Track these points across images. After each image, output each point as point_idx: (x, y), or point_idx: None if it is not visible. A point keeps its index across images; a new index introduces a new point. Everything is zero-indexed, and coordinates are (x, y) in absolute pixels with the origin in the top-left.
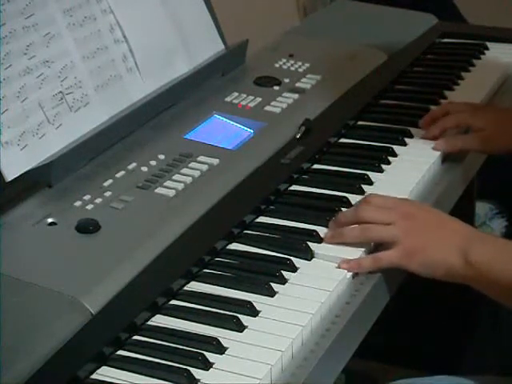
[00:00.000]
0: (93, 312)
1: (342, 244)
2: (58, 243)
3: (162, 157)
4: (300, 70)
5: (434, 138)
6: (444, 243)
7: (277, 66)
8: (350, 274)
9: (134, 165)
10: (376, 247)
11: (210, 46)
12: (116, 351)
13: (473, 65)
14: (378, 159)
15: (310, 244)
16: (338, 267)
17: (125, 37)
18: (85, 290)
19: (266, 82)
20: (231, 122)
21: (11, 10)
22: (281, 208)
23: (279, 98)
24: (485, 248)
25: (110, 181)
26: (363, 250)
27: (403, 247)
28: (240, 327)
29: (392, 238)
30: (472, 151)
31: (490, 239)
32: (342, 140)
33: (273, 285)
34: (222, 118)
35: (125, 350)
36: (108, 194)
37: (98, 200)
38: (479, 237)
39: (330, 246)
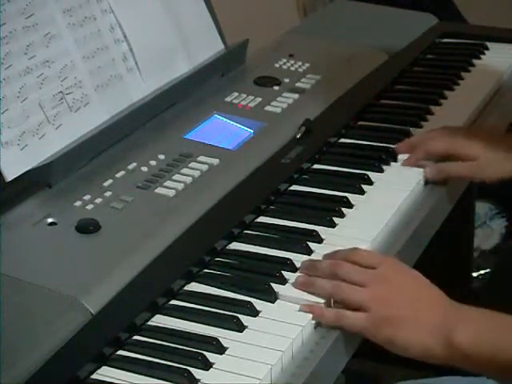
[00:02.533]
0: (93, 312)
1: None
2: (58, 243)
3: (162, 157)
4: (300, 70)
5: (415, 162)
6: (419, 323)
7: (277, 65)
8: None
9: (134, 165)
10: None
11: (210, 46)
12: (116, 351)
13: (473, 65)
14: (378, 159)
15: (310, 244)
16: (301, 310)
17: (125, 37)
18: (85, 289)
19: (266, 82)
20: (231, 122)
21: (11, 10)
22: (281, 208)
23: (279, 98)
24: (469, 327)
25: (110, 181)
26: None
27: (372, 316)
28: (240, 327)
29: (361, 303)
30: (462, 179)
31: (473, 315)
32: (342, 140)
33: (273, 285)
34: (222, 118)
35: (125, 350)
36: (108, 193)
37: (98, 200)
38: (461, 313)
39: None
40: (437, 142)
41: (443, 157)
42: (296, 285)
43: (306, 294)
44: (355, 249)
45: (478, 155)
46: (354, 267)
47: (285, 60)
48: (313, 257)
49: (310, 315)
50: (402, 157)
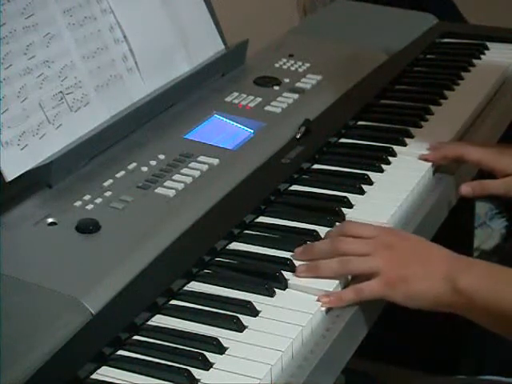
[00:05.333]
0: (93, 312)
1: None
2: (58, 243)
3: (162, 157)
4: (300, 70)
5: (440, 160)
6: (428, 272)
7: (277, 65)
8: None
9: (134, 165)
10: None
11: (210, 46)
12: (116, 351)
13: (473, 65)
14: (378, 159)
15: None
16: (318, 301)
17: (125, 37)
18: (85, 289)
19: (266, 82)
20: (231, 122)
21: (11, 10)
22: (281, 208)
23: (279, 98)
24: (473, 274)
25: (110, 181)
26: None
27: (385, 278)
28: (240, 327)
29: (372, 269)
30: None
31: (477, 264)
32: (342, 140)
33: (273, 285)
34: (222, 118)
35: (125, 349)
36: (108, 193)
37: (98, 200)
38: (466, 263)
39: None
40: (473, 150)
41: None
42: (298, 274)
43: (304, 292)
44: (347, 222)
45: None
46: (355, 240)
47: (285, 60)
48: None
49: (310, 316)
50: (401, 157)
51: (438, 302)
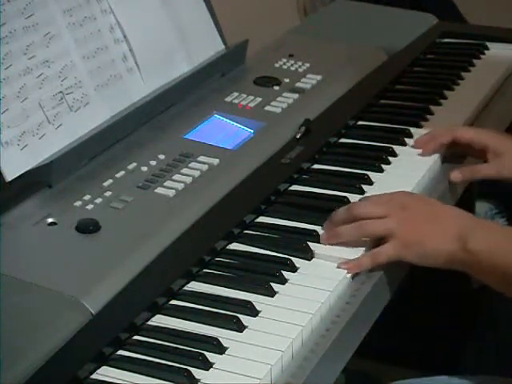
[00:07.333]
0: (93, 312)
1: (342, 244)
2: (58, 243)
3: (162, 157)
4: (300, 70)
5: (438, 148)
6: (441, 232)
7: (277, 65)
8: (350, 273)
9: (134, 165)
10: (376, 245)
11: (210, 46)
12: (116, 351)
13: (473, 65)
14: (378, 159)
15: (309, 244)
16: (338, 268)
17: (125, 37)
18: (85, 289)
19: (266, 82)
20: (231, 122)
21: (11, 10)
22: (281, 208)
23: (279, 98)
24: (484, 235)
25: (110, 181)
26: (363, 248)
27: (400, 239)
28: (240, 327)
29: (388, 230)
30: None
31: (490, 227)
32: (342, 140)
33: (273, 285)
34: (222, 117)
35: (125, 349)
36: (108, 193)
37: (98, 200)
38: (478, 224)
39: (330, 245)
40: (465, 129)
41: (464, 148)
42: (322, 241)
43: (305, 290)
44: (366, 196)
45: (505, 150)
46: (370, 202)
47: (285, 60)
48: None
49: (310, 316)
50: (402, 157)
51: (451, 261)
